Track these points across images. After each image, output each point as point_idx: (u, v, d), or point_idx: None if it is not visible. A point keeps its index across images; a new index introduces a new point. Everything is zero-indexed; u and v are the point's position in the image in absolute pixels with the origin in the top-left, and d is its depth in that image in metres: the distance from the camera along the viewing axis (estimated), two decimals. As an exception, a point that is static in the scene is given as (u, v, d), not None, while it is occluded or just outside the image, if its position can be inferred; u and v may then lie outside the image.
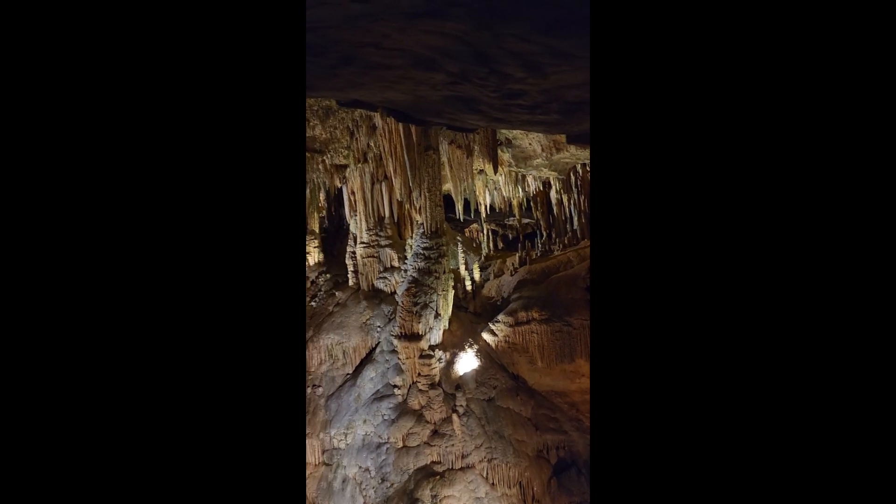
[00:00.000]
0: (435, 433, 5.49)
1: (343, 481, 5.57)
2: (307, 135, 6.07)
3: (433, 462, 5.41)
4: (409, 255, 6.17)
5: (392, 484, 5.38)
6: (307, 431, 5.74)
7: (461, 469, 5.38)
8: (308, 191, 7.09)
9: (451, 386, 5.72)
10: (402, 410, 5.61)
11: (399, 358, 5.76)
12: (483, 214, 7.77)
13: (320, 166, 6.58)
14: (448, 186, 6.55)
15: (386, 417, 5.64)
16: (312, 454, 5.72)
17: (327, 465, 5.70)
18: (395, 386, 5.76)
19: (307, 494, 5.64)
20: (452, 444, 5.39)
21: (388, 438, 5.52)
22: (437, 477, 5.33)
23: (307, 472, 5.71)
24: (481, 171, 7.09)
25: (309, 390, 6.02)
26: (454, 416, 5.51)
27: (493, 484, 5.32)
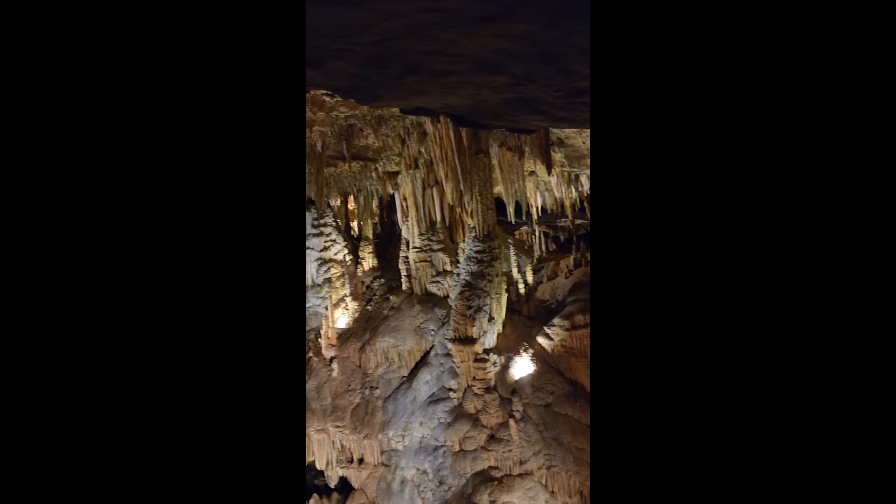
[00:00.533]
0: (492, 438, 5.45)
1: (401, 482, 5.65)
2: (360, 144, 6.26)
3: (491, 467, 5.37)
4: (461, 259, 6.20)
5: (450, 487, 5.39)
6: (366, 432, 5.88)
7: (519, 475, 5.30)
8: (362, 198, 7.30)
9: (506, 390, 5.66)
10: (458, 414, 5.62)
11: (453, 361, 5.78)
12: (534, 216, 7.66)
13: (373, 174, 6.76)
14: (499, 189, 6.51)
15: (442, 420, 5.67)
16: (372, 454, 5.86)
17: (386, 465, 5.81)
18: (450, 389, 5.79)
19: (367, 494, 5.77)
20: (510, 450, 5.33)
21: (445, 441, 5.54)
22: (496, 482, 5.28)
23: (367, 473, 5.85)
24: (532, 173, 6.99)
25: (367, 392, 6.18)
26: (511, 422, 5.44)
27: (552, 492, 5.19)
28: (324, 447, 5.99)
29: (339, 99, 4.93)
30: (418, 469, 5.57)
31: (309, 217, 6.84)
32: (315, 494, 5.93)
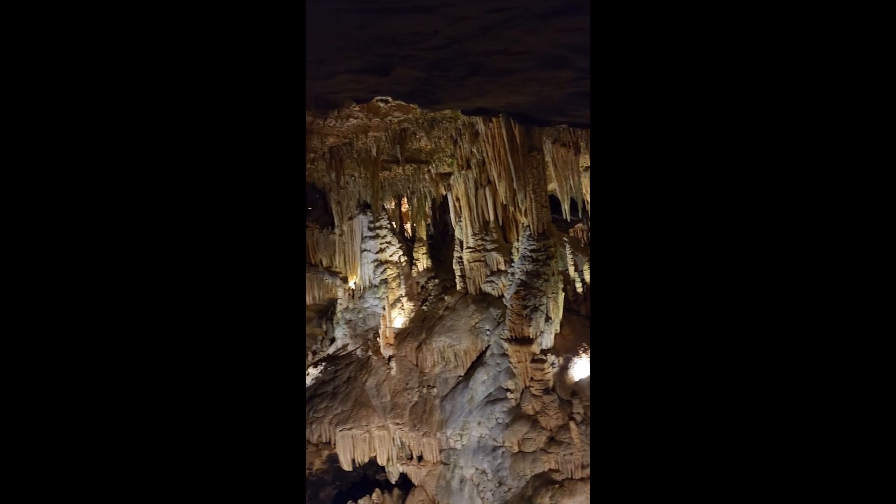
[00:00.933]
0: (552, 440, 5.35)
1: (461, 481, 5.69)
2: (413, 147, 6.39)
3: (551, 470, 5.27)
4: (515, 259, 6.14)
5: (510, 488, 5.35)
6: (425, 430, 5.98)
7: (581, 479, 5.16)
8: (415, 200, 7.44)
9: (566, 392, 5.53)
10: (516, 415, 5.57)
11: (510, 361, 5.73)
12: (591, 213, 7.44)
13: (426, 176, 6.87)
14: (553, 186, 6.39)
15: (500, 421, 5.64)
16: (430, 452, 5.95)
17: (445, 464, 5.87)
18: (507, 390, 5.74)
19: (427, 491, 5.86)
20: (571, 453, 5.20)
21: (503, 442, 5.51)
22: (557, 486, 5.17)
23: (426, 470, 5.95)
24: (588, 168, 6.79)
25: (424, 390, 6.28)
26: (572, 424, 5.31)
27: (618, 498, 5.01)
28: (384, 443, 6.17)
29: (394, 104, 5.06)
30: (477, 469, 5.58)
31: (365, 220, 7.07)
32: (377, 489, 6.11)
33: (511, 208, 6.28)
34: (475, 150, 6.24)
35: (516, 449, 5.43)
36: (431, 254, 7.45)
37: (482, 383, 5.99)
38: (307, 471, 6.28)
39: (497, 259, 6.50)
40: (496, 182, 6.06)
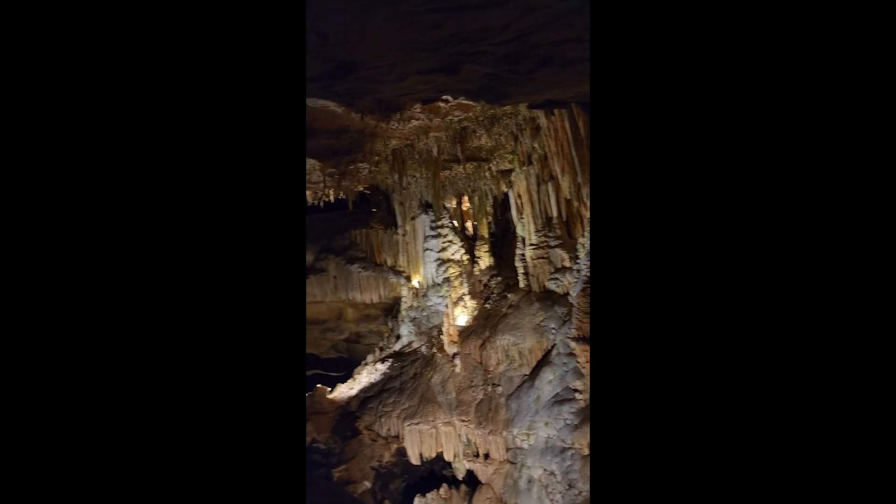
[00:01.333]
0: (625, 444, 5.11)
1: (528, 481, 5.61)
2: (473, 145, 6.40)
3: (625, 475, 5.03)
4: (581, 255, 5.93)
5: (580, 492, 5.18)
6: (490, 428, 5.97)
7: (660, 487, 4.87)
8: (476, 198, 7.45)
9: (640, 394, 5.26)
10: (586, 416, 5.38)
11: (578, 361, 5.55)
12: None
13: (487, 173, 6.85)
14: (621, 179, 6.08)
15: (568, 422, 5.48)
16: (497, 450, 5.93)
17: (512, 463, 5.82)
18: (575, 390, 5.57)
19: (494, 489, 5.85)
20: (647, 459, 4.93)
21: (573, 444, 5.35)
22: (632, 492, 4.93)
23: (493, 468, 5.94)
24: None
25: (489, 388, 6.27)
26: (647, 428, 5.04)
27: (701, 510, 4.66)
28: (451, 440, 6.24)
29: (454, 103, 5.09)
30: (545, 469, 5.47)
31: (427, 219, 7.20)
32: (444, 484, 6.20)
33: (575, 203, 6.07)
34: (536, 146, 6.11)
35: (586, 451, 5.24)
36: (493, 251, 7.42)
37: (548, 383, 5.86)
38: (377, 462, 6.52)
39: (561, 256, 6.33)
40: (559, 177, 5.89)
